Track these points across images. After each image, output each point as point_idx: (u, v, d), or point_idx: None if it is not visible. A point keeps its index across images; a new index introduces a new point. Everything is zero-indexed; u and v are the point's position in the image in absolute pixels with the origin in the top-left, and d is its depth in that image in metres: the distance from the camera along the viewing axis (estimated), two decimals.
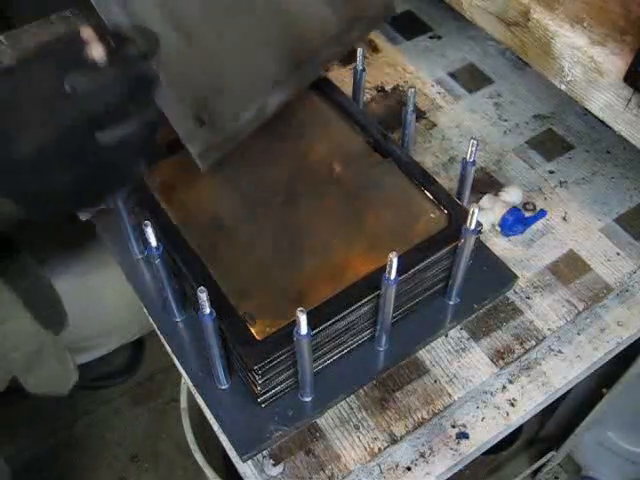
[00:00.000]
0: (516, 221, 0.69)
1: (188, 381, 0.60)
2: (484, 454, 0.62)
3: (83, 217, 0.66)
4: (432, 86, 0.85)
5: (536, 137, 0.80)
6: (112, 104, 0.44)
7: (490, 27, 0.69)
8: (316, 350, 0.54)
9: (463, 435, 0.59)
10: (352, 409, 0.59)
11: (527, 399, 0.61)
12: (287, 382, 0.56)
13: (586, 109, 0.62)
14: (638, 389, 0.97)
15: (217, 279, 0.56)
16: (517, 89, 0.85)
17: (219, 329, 0.52)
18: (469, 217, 0.54)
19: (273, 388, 0.55)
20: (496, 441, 0.61)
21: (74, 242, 0.80)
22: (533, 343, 0.62)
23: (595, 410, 0.99)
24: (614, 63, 0.57)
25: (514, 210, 0.69)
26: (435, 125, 0.81)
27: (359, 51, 0.68)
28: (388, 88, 0.85)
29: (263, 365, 0.51)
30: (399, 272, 0.51)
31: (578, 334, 0.65)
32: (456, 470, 0.59)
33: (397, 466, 0.57)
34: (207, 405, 0.57)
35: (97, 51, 0.43)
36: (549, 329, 0.63)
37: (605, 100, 0.59)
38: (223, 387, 0.57)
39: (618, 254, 0.69)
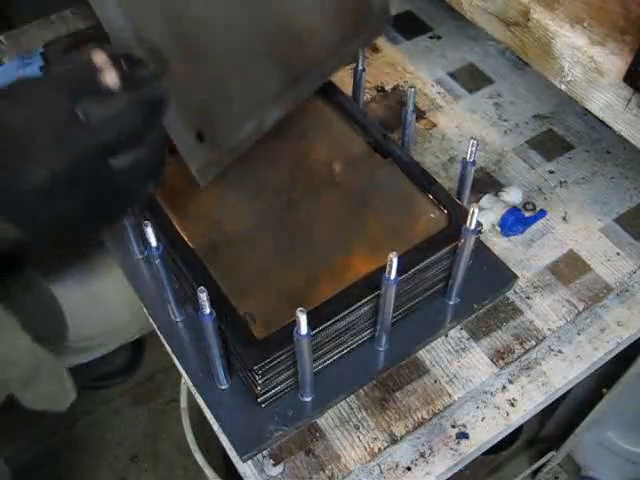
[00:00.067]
0: (516, 221, 0.69)
1: (188, 381, 0.60)
2: (484, 454, 0.62)
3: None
4: (432, 86, 0.85)
5: (536, 137, 0.80)
6: (126, 130, 0.43)
7: (490, 27, 0.69)
8: (316, 350, 0.54)
9: (463, 435, 0.59)
10: (352, 409, 0.59)
11: (527, 399, 0.61)
12: (287, 382, 0.56)
13: (586, 109, 0.62)
14: (638, 389, 0.97)
15: (217, 279, 0.56)
16: (517, 89, 0.85)
17: (219, 329, 0.52)
18: (469, 217, 0.54)
19: (273, 388, 0.55)
20: (496, 441, 0.61)
21: (76, 251, 0.80)
22: (533, 343, 0.62)
23: (595, 410, 0.99)
24: (614, 63, 0.57)
25: (514, 210, 0.69)
26: (435, 125, 0.81)
27: (359, 51, 0.68)
28: (388, 88, 0.85)
29: (263, 365, 0.51)
30: (399, 272, 0.51)
31: (578, 334, 0.65)
32: (456, 470, 0.59)
33: (397, 466, 0.57)
34: (207, 405, 0.57)
35: (111, 77, 0.42)
36: (549, 329, 0.63)
37: (605, 100, 0.59)
38: (223, 387, 0.57)
39: (618, 254, 0.69)
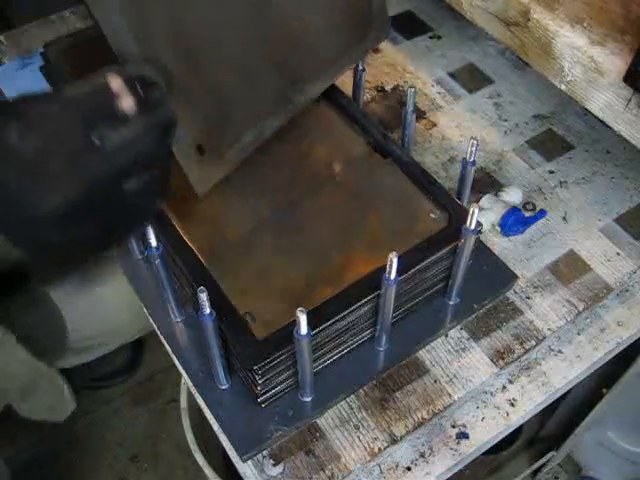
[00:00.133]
0: (516, 221, 0.69)
1: (188, 381, 0.60)
2: (484, 454, 0.62)
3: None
4: (432, 86, 0.85)
5: (536, 137, 0.80)
6: (142, 153, 0.42)
7: (490, 27, 0.69)
8: (316, 350, 0.54)
9: (463, 435, 0.59)
10: (352, 409, 0.59)
11: (527, 399, 0.61)
12: (287, 382, 0.56)
13: (586, 109, 0.62)
14: (638, 389, 0.97)
15: (217, 279, 0.56)
16: (517, 89, 0.85)
17: (219, 329, 0.52)
18: (469, 217, 0.54)
19: (273, 388, 0.55)
20: (496, 441, 0.61)
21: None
22: (533, 343, 0.62)
23: (595, 410, 0.99)
24: (614, 63, 0.57)
25: (514, 210, 0.69)
26: (435, 125, 0.81)
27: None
28: (388, 88, 0.85)
29: (263, 365, 0.51)
30: (399, 272, 0.51)
31: (578, 334, 0.65)
32: (456, 470, 0.59)
33: (397, 466, 0.57)
34: (207, 405, 0.57)
35: (128, 103, 0.41)
36: (549, 329, 0.63)
37: (605, 100, 0.59)
38: (223, 387, 0.57)
39: (618, 254, 0.69)
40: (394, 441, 0.57)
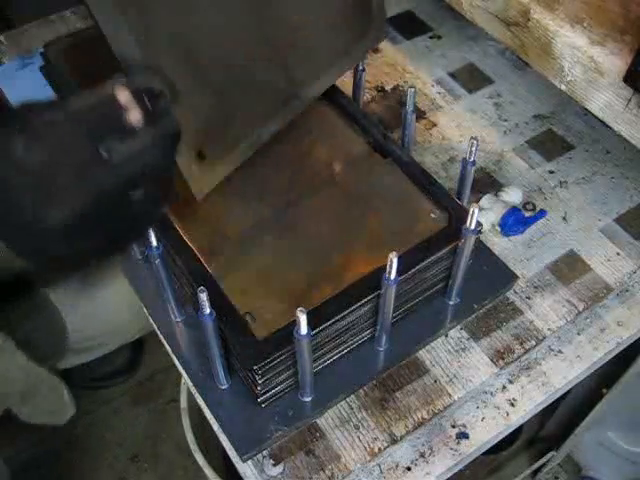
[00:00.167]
0: (516, 221, 0.69)
1: (188, 381, 0.60)
2: (484, 454, 0.62)
3: None
4: (432, 86, 0.85)
5: (536, 137, 0.80)
6: (149, 165, 0.42)
7: (490, 27, 0.69)
8: (316, 350, 0.54)
9: (463, 435, 0.59)
10: (352, 409, 0.59)
11: (527, 399, 0.61)
12: (287, 382, 0.56)
13: (586, 109, 0.62)
14: (638, 389, 0.97)
15: (217, 279, 0.56)
16: (517, 89, 0.85)
17: (219, 329, 0.52)
18: (469, 217, 0.54)
19: (273, 388, 0.55)
20: (496, 441, 0.61)
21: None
22: (533, 343, 0.62)
23: (595, 410, 0.99)
24: (614, 63, 0.57)
25: (514, 210, 0.69)
26: (435, 125, 0.81)
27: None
28: (388, 88, 0.85)
29: (263, 365, 0.51)
30: (399, 272, 0.51)
31: (578, 334, 0.65)
32: (456, 470, 0.59)
33: (397, 466, 0.57)
34: (207, 405, 0.57)
35: (136, 116, 0.41)
36: (549, 329, 0.63)
37: (605, 100, 0.59)
38: (223, 387, 0.57)
39: (618, 254, 0.69)
40: (394, 441, 0.57)
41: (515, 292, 0.66)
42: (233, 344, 0.53)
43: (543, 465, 1.22)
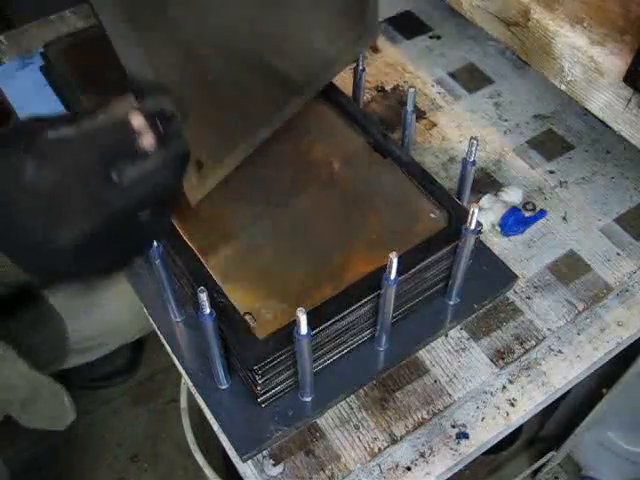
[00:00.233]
0: (516, 221, 0.69)
1: (188, 381, 0.60)
2: (484, 454, 0.62)
3: None
4: (432, 86, 0.85)
5: (536, 137, 0.80)
6: (160, 186, 0.42)
7: (490, 27, 0.69)
8: (316, 350, 0.54)
9: (463, 435, 0.59)
10: (352, 409, 0.59)
11: (527, 399, 0.61)
12: (287, 382, 0.56)
13: (586, 109, 0.62)
14: (638, 389, 0.97)
15: (217, 279, 0.56)
16: (517, 89, 0.85)
17: (219, 329, 0.52)
18: (469, 217, 0.54)
19: (273, 388, 0.55)
20: (496, 441, 0.61)
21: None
22: (533, 343, 0.62)
23: (595, 410, 0.99)
24: (614, 63, 0.57)
25: (514, 210, 0.69)
26: (435, 125, 0.81)
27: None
28: (388, 88, 0.85)
29: (263, 365, 0.51)
30: (399, 272, 0.51)
31: (578, 334, 0.65)
32: (456, 470, 0.59)
33: (397, 466, 0.57)
34: (207, 405, 0.57)
35: (148, 140, 0.41)
36: (549, 329, 0.63)
37: (605, 100, 0.59)
38: (223, 387, 0.57)
39: (618, 254, 0.69)
40: (394, 441, 0.57)
41: (515, 292, 0.66)
42: (233, 344, 0.53)
43: (543, 465, 1.22)
